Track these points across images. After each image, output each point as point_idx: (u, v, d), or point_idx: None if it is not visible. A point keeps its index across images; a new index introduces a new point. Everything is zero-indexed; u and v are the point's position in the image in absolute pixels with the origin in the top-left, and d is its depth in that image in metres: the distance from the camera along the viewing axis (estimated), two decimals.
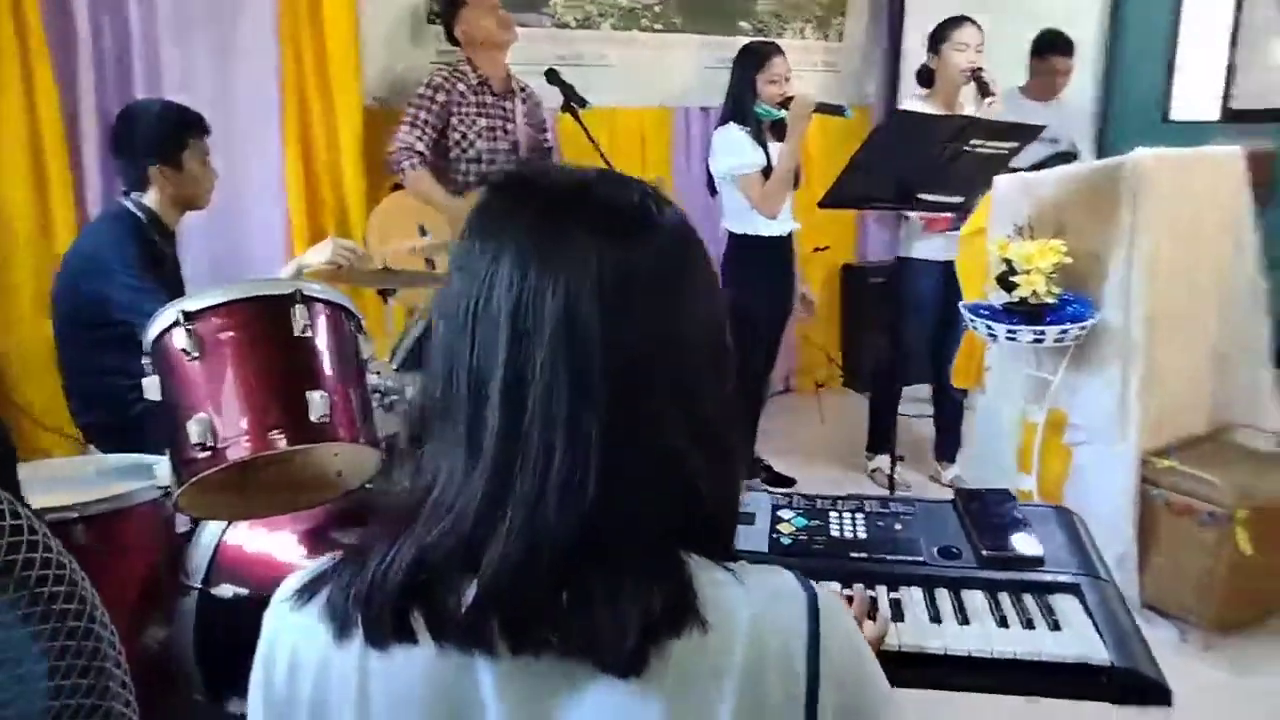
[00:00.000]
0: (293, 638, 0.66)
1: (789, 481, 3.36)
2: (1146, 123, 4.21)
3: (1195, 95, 4.25)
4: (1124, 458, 2.40)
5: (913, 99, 3.26)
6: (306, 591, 0.66)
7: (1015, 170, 2.64)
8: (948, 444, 3.44)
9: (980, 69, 3.06)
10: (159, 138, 2.15)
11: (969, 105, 3.16)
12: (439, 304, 0.67)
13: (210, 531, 1.83)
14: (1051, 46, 3.59)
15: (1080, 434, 2.49)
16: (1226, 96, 4.14)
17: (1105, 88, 4.44)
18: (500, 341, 0.62)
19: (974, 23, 3.12)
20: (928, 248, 3.18)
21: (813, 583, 0.66)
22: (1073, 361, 2.43)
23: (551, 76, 2.96)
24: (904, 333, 3.25)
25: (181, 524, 1.88)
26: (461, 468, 0.63)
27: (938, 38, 3.16)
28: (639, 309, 0.62)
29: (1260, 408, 2.65)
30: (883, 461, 3.36)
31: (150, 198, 2.17)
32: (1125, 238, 2.35)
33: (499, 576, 0.60)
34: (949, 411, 3.41)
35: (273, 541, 1.81)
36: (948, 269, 3.13)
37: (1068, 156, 3.25)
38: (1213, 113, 4.17)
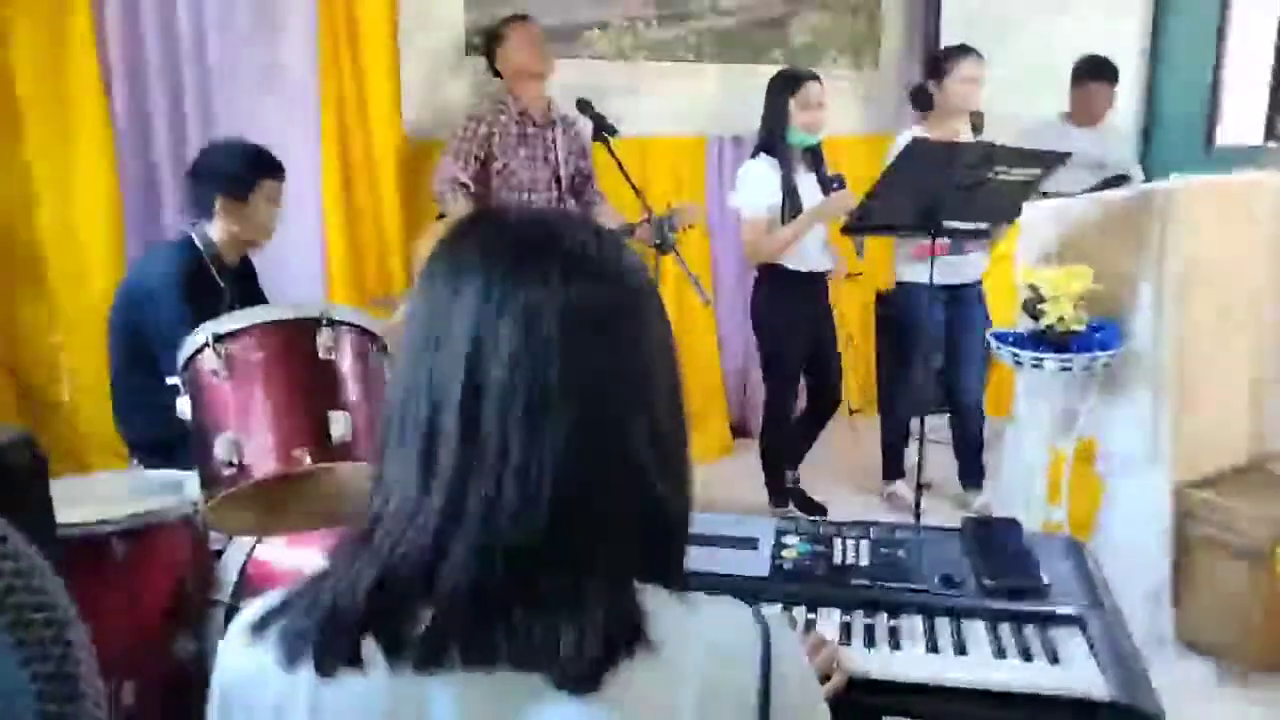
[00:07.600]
0: (247, 675, 0.65)
1: (821, 509, 3.31)
2: (1191, 148, 4.14)
3: (1240, 120, 4.16)
4: (1157, 489, 2.35)
5: (913, 127, 3.19)
6: (261, 625, 0.66)
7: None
8: (971, 470, 3.37)
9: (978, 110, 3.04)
10: (230, 171, 2.23)
11: (965, 135, 3.13)
12: (402, 341, 0.69)
13: (239, 548, 1.89)
14: (1088, 72, 3.55)
15: (1111, 464, 2.44)
16: (1271, 121, 4.05)
17: (1148, 114, 4.37)
18: (459, 365, 0.64)
19: (977, 54, 3.09)
20: (917, 271, 2.97)
21: (766, 616, 0.67)
22: (1103, 390, 2.39)
23: (583, 106, 3.01)
24: (907, 357, 3.20)
25: (218, 541, 1.94)
26: (416, 485, 0.64)
27: (941, 67, 3.13)
28: (596, 342, 0.65)
29: None
30: (898, 486, 3.35)
31: (214, 229, 2.26)
32: (1154, 263, 2.31)
33: (456, 588, 0.61)
34: (967, 438, 3.34)
35: (299, 558, 1.86)
36: (952, 294, 3.13)
37: (1121, 180, 3.18)
38: (1258, 137, 4.08)
